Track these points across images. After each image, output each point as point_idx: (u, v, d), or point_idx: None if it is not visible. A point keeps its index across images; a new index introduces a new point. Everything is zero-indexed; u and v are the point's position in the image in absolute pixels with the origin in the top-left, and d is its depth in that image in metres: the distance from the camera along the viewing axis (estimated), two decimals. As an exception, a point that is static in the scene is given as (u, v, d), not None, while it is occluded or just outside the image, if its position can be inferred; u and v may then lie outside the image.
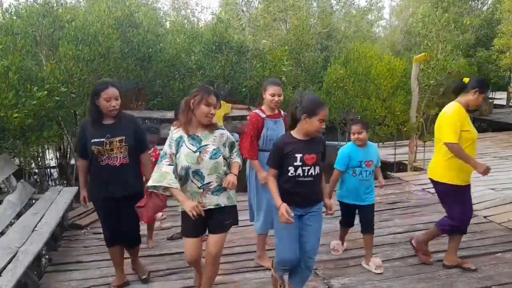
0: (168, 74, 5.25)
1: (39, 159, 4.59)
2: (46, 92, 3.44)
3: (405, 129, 4.67)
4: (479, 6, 10.54)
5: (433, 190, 3.91)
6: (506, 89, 9.25)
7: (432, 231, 2.26)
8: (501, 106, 10.15)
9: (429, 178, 2.22)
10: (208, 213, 1.70)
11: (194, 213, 1.60)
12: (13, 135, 3.60)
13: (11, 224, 2.63)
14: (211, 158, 1.66)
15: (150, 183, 1.65)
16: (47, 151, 4.95)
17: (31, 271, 2.18)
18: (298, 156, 1.65)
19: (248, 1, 7.27)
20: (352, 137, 2.21)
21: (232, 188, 1.70)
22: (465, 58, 7.54)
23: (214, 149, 1.66)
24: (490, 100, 9.47)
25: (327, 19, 9.57)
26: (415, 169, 4.86)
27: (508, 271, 2.20)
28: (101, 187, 1.90)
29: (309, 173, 1.67)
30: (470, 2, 9.81)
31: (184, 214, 1.69)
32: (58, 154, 5.29)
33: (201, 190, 1.68)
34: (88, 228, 3.04)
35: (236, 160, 1.79)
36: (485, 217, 3.09)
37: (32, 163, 4.21)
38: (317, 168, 1.69)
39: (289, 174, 1.67)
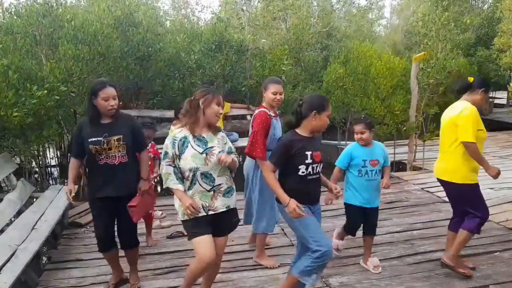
0: (168, 73, 5.26)
1: (39, 158, 4.61)
2: (46, 91, 3.45)
3: (404, 128, 4.67)
4: (479, 5, 10.51)
5: (432, 190, 4.02)
6: (506, 88, 9.22)
7: (463, 237, 2.07)
8: (501, 106, 10.14)
9: (447, 181, 2.08)
10: (217, 217, 1.67)
11: (189, 212, 1.58)
12: (13, 134, 3.61)
13: (11, 222, 2.65)
14: None
15: (164, 184, 1.65)
16: (47, 150, 4.97)
17: (30, 269, 2.19)
18: (308, 153, 1.64)
19: (248, 0, 7.27)
20: (355, 137, 2.17)
21: (224, 163, 1.60)
22: (466, 57, 7.52)
23: (220, 151, 1.64)
24: (491, 100, 9.45)
25: (327, 18, 9.54)
26: (415, 168, 4.86)
27: (506, 270, 2.21)
28: (101, 187, 1.88)
29: (317, 171, 1.68)
30: (470, 1, 9.78)
31: (189, 222, 1.66)
32: (58, 153, 5.31)
33: (212, 193, 1.65)
34: (88, 227, 3.05)
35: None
36: (483, 216, 3.10)
37: (32, 162, 4.23)
38: (321, 165, 1.71)
39: (300, 173, 1.64)
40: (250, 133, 2.19)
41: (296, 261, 1.79)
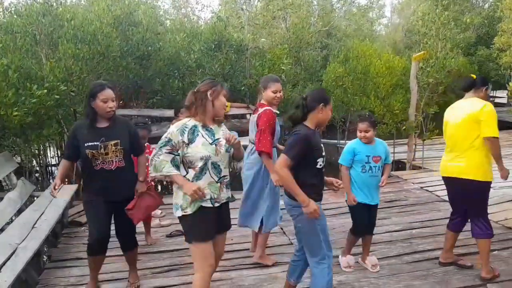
0: (168, 73, 5.26)
1: (39, 157, 4.62)
2: (45, 90, 3.46)
3: (404, 127, 4.67)
4: (480, 4, 10.48)
5: (431, 189, 4.03)
6: (506, 87, 9.21)
7: (487, 246, 2.02)
8: (502, 105, 10.13)
9: (468, 180, 1.99)
10: (219, 211, 1.63)
11: (196, 196, 1.49)
12: (13, 133, 3.62)
13: (11, 221, 2.66)
14: (226, 151, 1.62)
15: (152, 171, 1.55)
16: (48, 149, 4.98)
17: (30, 268, 2.20)
18: (322, 146, 1.64)
19: (248, -1, 7.26)
20: (358, 134, 2.13)
21: (234, 139, 1.60)
22: (466, 56, 7.51)
23: (225, 143, 1.63)
24: (491, 99, 9.45)
25: (327, 17, 9.54)
26: (414, 167, 4.87)
27: (504, 269, 2.21)
28: (98, 193, 1.85)
29: (325, 164, 1.69)
30: (471, 0, 9.74)
31: (194, 216, 1.54)
32: (59, 152, 5.32)
33: (219, 184, 1.61)
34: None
35: None
36: (482, 215, 3.11)
37: (33, 161, 4.24)
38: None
39: (318, 166, 1.62)
40: (255, 131, 2.18)
41: (298, 267, 1.77)
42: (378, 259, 2.34)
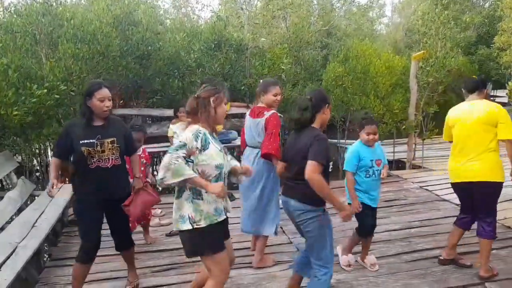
0: (168, 72, 5.26)
1: (40, 156, 4.63)
2: (45, 90, 3.47)
3: (403, 127, 4.67)
4: (481, 3, 10.46)
5: (431, 188, 4.04)
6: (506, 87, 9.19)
7: (489, 247, 2.06)
8: (503, 104, 10.10)
9: (486, 182, 1.99)
10: (226, 219, 1.62)
11: (223, 195, 1.45)
12: (13, 132, 3.63)
13: (11, 219, 2.67)
14: (229, 160, 1.63)
15: (169, 178, 1.39)
16: (48, 148, 4.99)
17: (31, 266, 2.21)
18: None
19: (248, -2, 7.26)
20: (366, 137, 2.08)
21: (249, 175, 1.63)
22: (466, 55, 7.50)
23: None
24: (492, 98, 9.43)
25: (327, 16, 9.53)
26: (414, 167, 4.87)
27: (502, 268, 2.22)
28: (94, 191, 1.82)
29: None
30: (472, -1, 9.72)
31: (209, 228, 1.48)
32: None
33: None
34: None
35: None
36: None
37: (33, 161, 4.25)
38: None
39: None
40: (262, 135, 2.18)
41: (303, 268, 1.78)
42: (376, 258, 2.35)
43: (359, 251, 2.37)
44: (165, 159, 1.42)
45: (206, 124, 1.55)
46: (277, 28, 7.55)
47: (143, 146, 2.67)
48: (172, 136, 4.01)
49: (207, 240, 1.51)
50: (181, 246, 2.56)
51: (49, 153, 5.09)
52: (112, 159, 1.86)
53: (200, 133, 1.51)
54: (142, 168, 2.53)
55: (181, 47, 5.30)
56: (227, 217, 1.63)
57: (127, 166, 2.09)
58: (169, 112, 4.77)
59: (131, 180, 2.05)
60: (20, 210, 2.84)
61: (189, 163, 1.47)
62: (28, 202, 3.12)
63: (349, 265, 2.28)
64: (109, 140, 1.84)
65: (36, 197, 3.24)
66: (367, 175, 2.10)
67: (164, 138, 4.53)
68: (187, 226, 1.49)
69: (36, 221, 2.59)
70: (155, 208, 3.44)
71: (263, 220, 2.27)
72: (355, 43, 5.80)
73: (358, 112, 4.80)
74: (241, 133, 2.49)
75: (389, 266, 2.31)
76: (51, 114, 3.72)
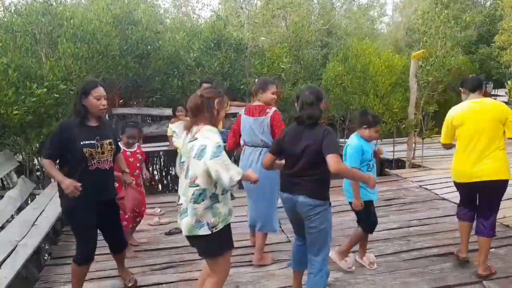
0: (167, 72, 5.27)
1: (41, 156, 4.63)
2: (45, 89, 3.47)
3: (403, 126, 4.67)
4: (482, 2, 10.43)
5: (430, 187, 4.03)
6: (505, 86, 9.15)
7: (488, 245, 2.06)
8: (505, 104, 10.07)
9: (499, 181, 1.99)
10: None
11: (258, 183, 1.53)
12: (13, 131, 3.64)
13: (12, 218, 2.68)
14: None
15: (236, 175, 1.42)
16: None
17: (31, 264, 2.23)
18: None
19: (248, -2, 7.25)
20: (374, 136, 2.09)
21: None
22: (467, 54, 7.48)
23: None
24: (494, 98, 9.39)
25: (327, 16, 9.52)
26: (414, 166, 4.86)
27: (501, 266, 2.22)
28: (92, 193, 1.77)
29: None
30: (473, -2, 9.69)
31: (223, 229, 1.52)
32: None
33: None
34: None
35: None
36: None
37: (34, 160, 4.26)
38: None
39: None
40: (267, 132, 2.20)
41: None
42: (375, 256, 2.35)
43: (355, 249, 2.37)
44: (218, 161, 1.41)
45: (209, 124, 1.54)
46: (277, 27, 7.55)
47: (137, 144, 2.64)
48: (171, 135, 4.01)
49: (222, 241, 1.55)
50: (180, 245, 2.62)
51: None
52: (109, 160, 1.85)
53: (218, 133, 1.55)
54: (138, 164, 2.52)
55: (181, 46, 5.31)
56: None
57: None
58: (169, 111, 4.78)
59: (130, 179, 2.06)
60: (20, 209, 2.86)
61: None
62: (29, 201, 3.14)
63: (350, 267, 2.24)
64: (107, 141, 1.83)
65: (36, 196, 3.25)
66: (369, 169, 2.11)
67: (164, 138, 4.54)
68: (204, 232, 1.49)
69: (36, 220, 2.61)
70: (155, 207, 3.45)
71: (267, 217, 2.29)
72: (355, 42, 5.79)
73: (372, 113, 4.73)
74: (230, 135, 2.47)
75: (388, 265, 2.31)
76: (51, 113, 3.73)
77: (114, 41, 4.40)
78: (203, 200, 1.48)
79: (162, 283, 2.16)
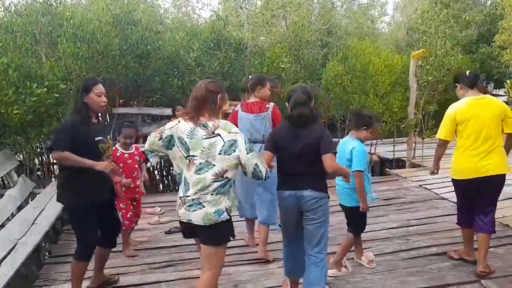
0: (167, 71, 5.27)
1: (41, 156, 4.66)
2: (45, 89, 3.49)
3: (403, 126, 4.67)
4: (482, 1, 10.40)
5: (430, 187, 4.03)
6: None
7: (488, 241, 2.10)
8: (505, 103, 10.05)
9: (501, 175, 2.06)
10: None
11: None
12: (13, 131, 3.66)
13: (12, 216, 2.70)
14: None
15: (264, 171, 1.54)
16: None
17: (30, 263, 2.24)
18: None
19: (247, -3, 7.26)
20: (370, 135, 2.09)
21: None
22: (468, 54, 7.45)
23: None
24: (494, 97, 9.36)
25: (327, 15, 9.52)
26: (414, 165, 4.86)
27: (499, 265, 2.22)
28: (101, 190, 1.82)
29: None
30: (473, -3, 9.68)
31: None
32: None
33: None
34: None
35: None
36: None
37: (34, 159, 4.28)
38: None
39: None
40: (270, 128, 2.22)
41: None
42: (374, 255, 2.35)
43: (353, 250, 2.36)
44: (255, 154, 1.51)
45: (213, 117, 1.52)
46: (277, 27, 7.55)
47: (136, 145, 2.63)
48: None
49: (231, 226, 1.58)
50: (180, 243, 2.63)
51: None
52: (111, 157, 1.90)
53: None
54: (136, 166, 2.50)
55: (181, 46, 5.31)
56: None
57: (121, 165, 2.15)
58: (169, 111, 4.77)
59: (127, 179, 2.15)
60: (20, 208, 2.87)
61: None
62: (29, 200, 3.15)
63: (348, 269, 2.22)
64: (109, 138, 1.87)
65: (36, 195, 3.27)
66: (368, 170, 2.14)
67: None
68: (225, 217, 1.52)
69: (36, 218, 2.62)
70: (155, 207, 3.46)
71: (272, 210, 2.32)
72: (354, 41, 5.79)
73: (373, 113, 4.67)
74: None
75: (387, 264, 2.31)
76: (51, 112, 3.74)
77: (114, 41, 4.41)
78: (227, 190, 1.53)
79: (161, 281, 2.17)
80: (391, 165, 5.09)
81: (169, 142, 1.52)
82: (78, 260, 1.85)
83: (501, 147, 2.08)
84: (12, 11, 4.54)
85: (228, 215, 1.54)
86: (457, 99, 2.20)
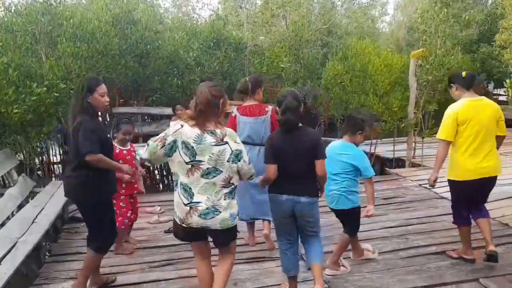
0: (167, 71, 5.28)
1: (42, 156, 4.66)
2: (45, 88, 3.50)
3: (402, 125, 4.66)
4: (483, 1, 10.38)
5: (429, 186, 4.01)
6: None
7: (488, 225, 2.14)
8: (505, 103, 10.03)
9: (496, 176, 2.15)
10: None
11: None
12: (13, 130, 3.67)
13: (12, 215, 2.71)
14: None
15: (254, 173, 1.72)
16: (50, 148, 5.02)
17: (31, 261, 2.24)
18: None
19: (247, -3, 7.26)
20: (362, 139, 2.11)
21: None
22: (468, 53, 7.45)
23: None
24: (494, 97, 9.36)
25: (327, 15, 9.51)
26: (413, 165, 4.86)
27: (498, 264, 2.22)
28: (114, 184, 1.99)
29: None
30: (474, -4, 9.66)
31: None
32: (61, 150, 5.36)
33: None
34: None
35: None
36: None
37: (35, 159, 4.29)
38: None
39: None
40: (269, 130, 2.26)
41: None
42: (372, 253, 2.36)
43: (350, 249, 2.36)
44: (251, 165, 1.66)
45: (218, 122, 1.54)
46: (277, 26, 7.55)
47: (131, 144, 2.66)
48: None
49: (236, 224, 1.68)
50: (179, 242, 2.61)
51: (51, 152, 5.13)
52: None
53: None
54: (134, 161, 2.54)
55: (180, 45, 5.31)
56: None
57: (120, 161, 2.19)
58: (169, 111, 4.78)
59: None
60: (20, 207, 2.88)
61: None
62: (29, 199, 3.16)
63: (345, 266, 2.24)
64: (111, 136, 1.95)
65: (36, 194, 3.27)
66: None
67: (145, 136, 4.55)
68: (236, 221, 1.65)
69: (36, 217, 2.63)
70: (154, 206, 3.47)
71: (266, 206, 2.30)
72: (354, 41, 5.79)
73: (372, 113, 4.70)
74: None
75: (385, 262, 2.32)
76: (51, 112, 3.75)
77: (114, 40, 4.42)
78: (234, 195, 1.63)
79: (161, 280, 2.18)
80: (391, 165, 5.08)
81: (171, 149, 1.50)
82: (97, 252, 1.93)
83: (496, 148, 2.12)
84: (12, 11, 4.55)
85: (237, 218, 1.66)
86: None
